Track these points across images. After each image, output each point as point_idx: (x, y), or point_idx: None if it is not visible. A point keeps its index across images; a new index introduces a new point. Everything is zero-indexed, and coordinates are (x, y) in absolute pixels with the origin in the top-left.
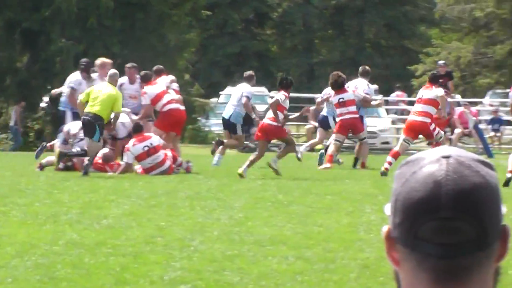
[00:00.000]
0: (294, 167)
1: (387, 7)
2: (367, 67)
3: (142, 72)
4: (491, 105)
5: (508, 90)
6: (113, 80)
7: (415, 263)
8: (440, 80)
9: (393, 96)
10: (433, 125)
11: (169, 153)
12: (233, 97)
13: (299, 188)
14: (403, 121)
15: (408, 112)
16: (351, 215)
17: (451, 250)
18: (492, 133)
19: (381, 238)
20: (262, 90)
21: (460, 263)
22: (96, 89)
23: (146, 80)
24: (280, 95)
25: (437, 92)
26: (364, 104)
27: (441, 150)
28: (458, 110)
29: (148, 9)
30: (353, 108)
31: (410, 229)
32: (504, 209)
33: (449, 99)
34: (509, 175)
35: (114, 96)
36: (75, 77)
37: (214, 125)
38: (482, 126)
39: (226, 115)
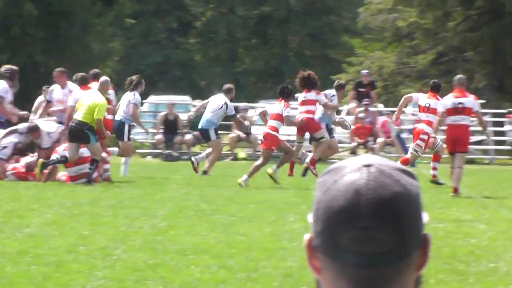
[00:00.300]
0: (217, 176)
1: (310, 17)
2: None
3: (79, 75)
4: (413, 115)
5: None
6: (103, 88)
7: (335, 272)
8: (363, 90)
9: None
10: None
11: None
12: (209, 107)
13: (222, 197)
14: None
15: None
16: (274, 224)
17: (371, 259)
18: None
19: (303, 247)
20: (186, 99)
21: (380, 272)
22: (84, 97)
23: (82, 83)
24: (284, 108)
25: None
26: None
27: (363, 159)
28: (381, 119)
29: (72, 18)
30: (311, 108)
31: (330, 238)
32: (425, 218)
33: (371, 109)
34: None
35: (96, 104)
36: (1, 85)
37: (138, 134)
38: (404, 135)
39: (200, 125)
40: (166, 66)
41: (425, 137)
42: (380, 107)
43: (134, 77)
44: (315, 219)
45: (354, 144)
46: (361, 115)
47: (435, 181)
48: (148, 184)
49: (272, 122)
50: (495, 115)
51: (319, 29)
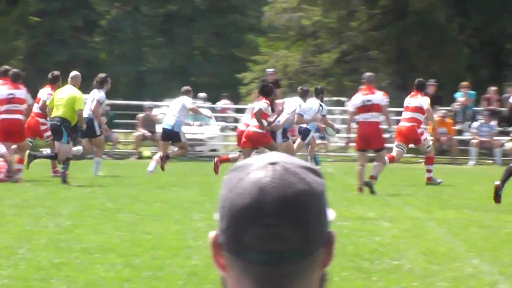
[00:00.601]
0: (123, 175)
1: (216, 16)
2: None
3: (11, 71)
4: None
5: (335, 98)
6: (74, 82)
7: (240, 269)
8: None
9: (220, 104)
10: (420, 130)
11: (1, 163)
12: (173, 108)
13: (128, 196)
14: (232, 128)
15: (236, 120)
16: (179, 223)
17: (275, 257)
18: (319, 141)
19: (209, 244)
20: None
21: (284, 270)
22: (59, 93)
23: (13, 80)
24: (262, 104)
25: (422, 100)
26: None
27: (269, 157)
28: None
29: None
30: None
31: (235, 236)
32: (331, 216)
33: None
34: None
35: (74, 96)
36: None
37: None
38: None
39: (167, 125)
40: (71, 64)
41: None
42: None
43: (101, 75)
44: (221, 217)
45: None
46: None
47: (431, 183)
48: (52, 183)
49: (255, 121)
50: (398, 113)
51: (224, 28)
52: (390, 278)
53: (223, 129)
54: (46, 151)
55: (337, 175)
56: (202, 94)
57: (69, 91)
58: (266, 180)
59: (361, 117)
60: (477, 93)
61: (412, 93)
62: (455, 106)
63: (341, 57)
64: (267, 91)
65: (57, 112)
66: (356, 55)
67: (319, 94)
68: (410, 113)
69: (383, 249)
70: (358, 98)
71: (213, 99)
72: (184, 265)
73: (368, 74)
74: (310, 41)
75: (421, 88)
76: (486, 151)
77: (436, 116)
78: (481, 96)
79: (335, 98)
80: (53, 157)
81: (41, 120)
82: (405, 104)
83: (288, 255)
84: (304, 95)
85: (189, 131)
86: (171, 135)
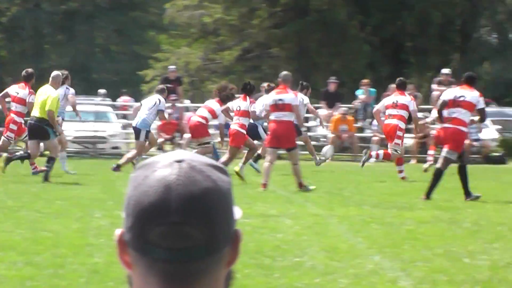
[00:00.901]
0: (24, 172)
1: (117, 13)
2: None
3: None
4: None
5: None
6: (54, 82)
7: (145, 267)
8: (170, 86)
9: (120, 101)
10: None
11: None
12: (144, 106)
13: (29, 193)
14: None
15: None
16: (80, 221)
17: (180, 255)
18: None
19: (111, 243)
20: None
21: (189, 267)
22: (38, 93)
23: None
24: (247, 104)
25: (406, 98)
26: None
27: (175, 154)
28: (188, 115)
29: None
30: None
31: (140, 233)
32: (238, 214)
33: (178, 104)
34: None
35: (48, 96)
36: None
37: None
38: (211, 130)
39: (134, 123)
40: None
41: (401, 133)
42: (187, 103)
43: (63, 72)
44: (126, 215)
45: (161, 140)
46: (168, 110)
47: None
48: None
49: (240, 120)
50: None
51: (126, 25)
52: (292, 275)
53: (124, 127)
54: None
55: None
56: (102, 91)
57: (46, 91)
58: (171, 178)
59: (273, 115)
60: (377, 90)
61: (397, 92)
62: (356, 103)
63: (242, 54)
64: (250, 89)
65: (35, 112)
66: (257, 53)
67: (303, 89)
68: (400, 110)
69: (285, 246)
70: (270, 97)
71: (115, 96)
72: (85, 263)
73: (284, 73)
74: (211, 39)
75: (403, 87)
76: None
77: (337, 114)
78: (382, 94)
79: (238, 96)
80: (27, 157)
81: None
82: (391, 102)
83: (193, 253)
84: (303, 89)
85: (90, 129)
86: (135, 132)
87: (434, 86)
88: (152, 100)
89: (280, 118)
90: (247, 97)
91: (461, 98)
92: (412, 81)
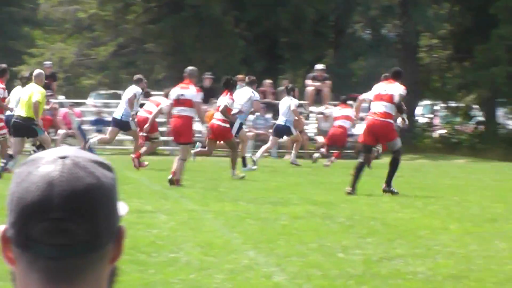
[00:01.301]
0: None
1: None
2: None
3: None
4: (95, 106)
5: (111, 91)
6: (38, 80)
7: (27, 263)
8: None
9: None
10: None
11: None
12: (124, 98)
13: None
14: None
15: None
16: None
17: (62, 251)
18: (96, 134)
19: None
20: None
21: (72, 264)
22: (23, 92)
23: None
24: (227, 100)
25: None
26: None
27: (60, 151)
28: (62, 111)
29: None
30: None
31: (22, 230)
32: (123, 210)
33: (53, 100)
34: (170, 176)
35: (32, 92)
36: None
37: None
38: (85, 126)
39: (117, 115)
40: None
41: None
42: (62, 98)
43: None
44: (9, 211)
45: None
46: (46, 107)
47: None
48: None
49: (219, 115)
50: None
51: (0, 20)
52: (167, 271)
53: None
54: None
55: (116, 168)
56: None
57: (31, 89)
58: (54, 174)
59: (175, 110)
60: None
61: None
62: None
63: (117, 50)
64: (232, 84)
65: (21, 111)
66: (133, 48)
67: (290, 92)
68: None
69: (160, 242)
70: (174, 92)
71: None
72: None
73: (190, 68)
74: (86, 34)
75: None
76: (261, 143)
77: (212, 109)
78: (257, 89)
79: (111, 91)
80: (9, 156)
81: None
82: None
83: (75, 249)
84: (252, 84)
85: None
86: (121, 125)
87: (308, 82)
88: (130, 92)
89: (180, 113)
90: (228, 92)
91: (386, 92)
92: (286, 77)
